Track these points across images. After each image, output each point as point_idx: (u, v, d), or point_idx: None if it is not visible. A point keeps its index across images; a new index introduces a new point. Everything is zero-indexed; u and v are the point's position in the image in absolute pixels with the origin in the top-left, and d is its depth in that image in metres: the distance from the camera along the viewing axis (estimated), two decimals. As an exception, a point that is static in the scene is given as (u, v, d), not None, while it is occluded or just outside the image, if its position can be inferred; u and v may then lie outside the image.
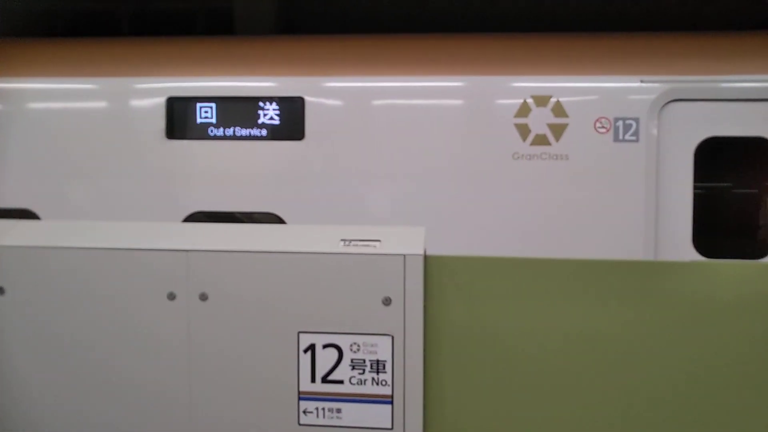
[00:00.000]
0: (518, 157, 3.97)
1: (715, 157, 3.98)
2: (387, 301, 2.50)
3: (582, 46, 4.15)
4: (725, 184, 4.18)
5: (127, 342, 2.62)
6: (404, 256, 2.50)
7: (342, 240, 2.63)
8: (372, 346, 2.51)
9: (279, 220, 4.13)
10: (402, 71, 4.09)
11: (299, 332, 2.52)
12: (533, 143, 3.97)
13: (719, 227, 4.11)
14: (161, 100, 4.19)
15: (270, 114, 4.14)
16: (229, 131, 4.18)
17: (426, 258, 2.51)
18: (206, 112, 4.19)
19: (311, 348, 2.54)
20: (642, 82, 3.89)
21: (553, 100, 3.94)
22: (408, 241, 2.65)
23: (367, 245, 2.58)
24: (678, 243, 3.86)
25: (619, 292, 2.45)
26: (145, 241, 2.70)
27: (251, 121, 4.15)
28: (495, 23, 4.58)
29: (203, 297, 2.57)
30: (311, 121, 4.10)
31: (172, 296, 2.58)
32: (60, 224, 2.97)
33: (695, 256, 3.87)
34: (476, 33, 4.27)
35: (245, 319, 2.56)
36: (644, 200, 3.85)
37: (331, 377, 2.54)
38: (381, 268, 2.51)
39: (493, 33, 4.28)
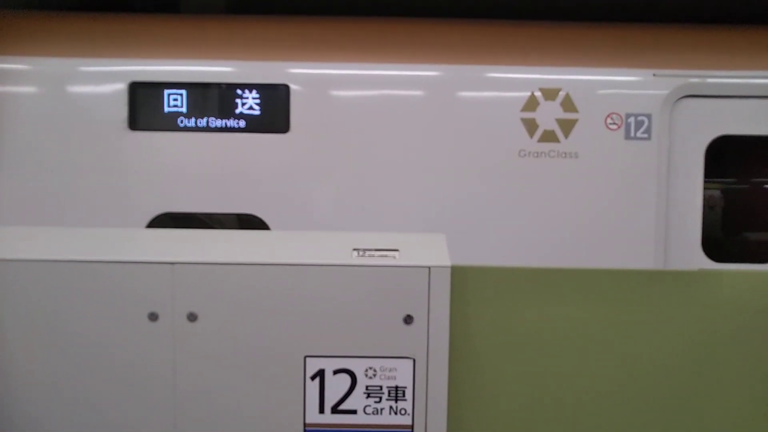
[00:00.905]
0: (525, 155, 3.79)
1: (726, 156, 3.90)
2: (408, 320, 2.28)
3: (593, 36, 3.97)
4: (737, 185, 4.12)
5: (100, 372, 2.33)
6: (429, 268, 2.27)
7: (355, 249, 2.38)
8: (390, 370, 2.32)
9: (261, 224, 3.80)
10: (398, 58, 3.82)
11: (306, 356, 2.29)
12: (541, 139, 3.78)
13: (729, 229, 4.05)
14: (122, 86, 3.80)
15: (249, 103, 3.80)
16: (202, 122, 3.81)
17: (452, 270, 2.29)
18: (175, 99, 3.80)
19: (320, 374, 2.31)
20: (655, 75, 3.78)
21: (562, 93, 3.77)
22: (430, 250, 2.43)
23: (384, 256, 2.34)
24: (687, 246, 3.77)
25: (652, 302, 2.35)
26: (120, 251, 2.38)
27: (228, 110, 3.79)
28: (501, 10, 4.34)
29: (191, 317, 2.29)
30: (298, 112, 3.81)
31: (154, 317, 2.29)
32: (14, 231, 2.59)
33: (704, 259, 3.79)
34: (481, 19, 4.04)
35: (241, 343, 2.32)
36: (655, 203, 3.74)
37: (342, 407, 2.34)
38: (402, 283, 2.30)
39: (500, 20, 4.04)
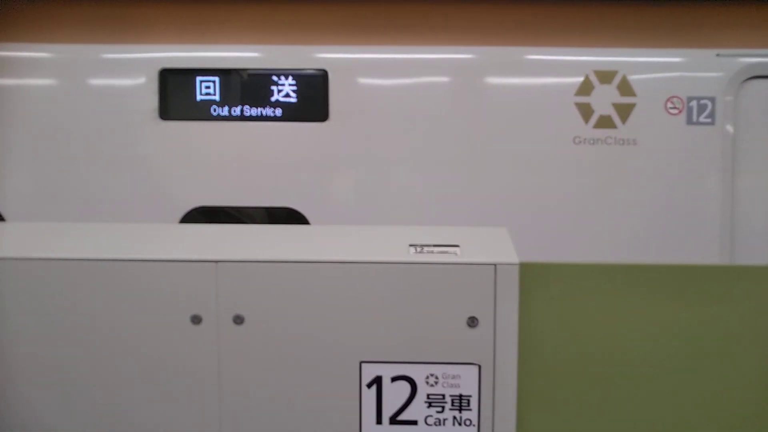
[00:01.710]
0: (580, 142, 3.61)
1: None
2: (473, 322, 2.13)
3: (651, 14, 3.75)
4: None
5: (140, 379, 2.21)
6: (495, 265, 2.10)
7: (412, 245, 2.22)
8: (453, 377, 2.18)
9: (299, 218, 3.66)
10: (446, 41, 3.64)
11: (361, 362, 2.15)
12: (597, 125, 3.60)
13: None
14: (153, 73, 3.67)
15: (285, 90, 3.65)
16: (236, 111, 3.69)
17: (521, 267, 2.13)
18: (208, 87, 3.67)
19: (377, 381, 2.18)
20: (719, 56, 3.57)
21: (619, 76, 3.59)
22: (494, 245, 2.27)
23: (445, 252, 2.18)
24: (755, 239, 3.56)
25: (727, 298, 2.21)
26: (158, 248, 2.24)
27: (263, 98, 3.65)
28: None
29: (238, 320, 2.15)
30: (337, 100, 3.66)
31: (197, 320, 2.15)
32: (46, 227, 2.47)
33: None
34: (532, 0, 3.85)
35: (291, 348, 2.19)
36: (720, 193, 3.53)
37: (402, 417, 2.21)
38: (465, 281, 2.14)
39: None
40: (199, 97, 3.65)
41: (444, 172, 3.60)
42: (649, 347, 2.20)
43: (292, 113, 3.63)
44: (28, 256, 2.18)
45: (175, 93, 3.63)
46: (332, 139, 3.61)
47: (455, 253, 2.18)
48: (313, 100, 3.61)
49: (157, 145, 3.63)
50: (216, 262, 2.15)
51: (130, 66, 3.66)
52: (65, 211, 3.62)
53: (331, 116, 3.62)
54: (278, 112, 3.64)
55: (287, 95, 3.63)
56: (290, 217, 3.67)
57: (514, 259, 2.12)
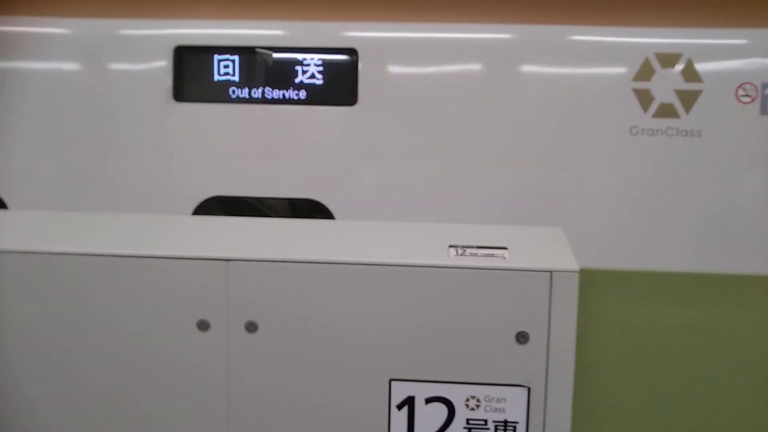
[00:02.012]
0: (637, 132, 3.28)
1: None
2: (522, 338, 1.85)
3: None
4: None
5: (143, 384, 1.96)
6: (551, 272, 1.81)
7: (452, 247, 1.94)
8: (498, 401, 1.91)
9: (323, 211, 3.40)
10: (490, 18, 3.34)
11: (391, 380, 1.91)
12: (657, 115, 3.25)
13: None
14: (167, 51, 3.40)
15: (311, 71, 3.38)
16: (257, 93, 3.41)
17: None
18: (226, 67, 3.40)
19: (408, 402, 1.92)
20: None
21: (683, 59, 3.24)
22: (549, 248, 1.99)
23: (491, 255, 1.89)
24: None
25: None
26: (162, 243, 2.00)
27: (286, 80, 3.36)
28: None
29: (251, 327, 1.90)
30: (367, 82, 3.35)
31: (204, 325, 1.91)
32: (46, 217, 2.25)
33: None
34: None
35: (311, 361, 1.92)
36: None
37: None
38: (515, 290, 1.86)
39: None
40: (216, 78, 3.38)
41: (486, 166, 3.29)
42: (732, 368, 1.92)
43: (317, 96, 3.34)
44: (25, 249, 1.96)
45: (191, 73, 3.37)
46: (361, 126, 3.32)
47: (503, 257, 1.89)
48: (341, 82, 3.33)
49: (171, 129, 3.39)
50: (227, 260, 1.89)
51: (142, 43, 3.42)
52: (66, 200, 3.40)
53: (361, 100, 3.32)
54: (303, 94, 3.36)
55: (313, 77, 3.34)
56: (313, 209, 3.41)
57: (574, 265, 1.83)
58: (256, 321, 1.91)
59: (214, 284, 1.90)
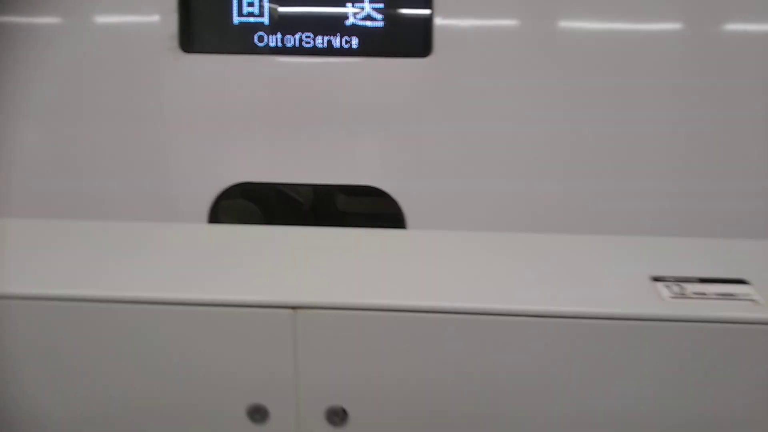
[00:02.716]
0: None
1: None
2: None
3: None
4: None
5: None
6: None
7: (658, 281, 1.22)
8: None
9: (387, 201, 2.64)
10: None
11: None
12: None
13: None
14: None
15: (367, 11, 2.57)
16: (292, 40, 2.62)
17: None
18: (251, 5, 2.59)
19: None
20: None
21: None
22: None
23: (728, 295, 1.18)
24: None
25: None
26: (184, 280, 1.26)
27: (333, 23, 2.55)
28: None
29: (334, 417, 1.17)
30: (445, 26, 2.56)
31: (260, 414, 1.18)
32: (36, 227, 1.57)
33: None
34: None
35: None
36: None
37: None
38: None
39: None
40: (237, 20, 2.56)
41: (605, 136, 2.53)
42: None
43: (375, 45, 2.49)
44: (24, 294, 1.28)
45: (204, 13, 2.57)
46: (437, 84, 2.52)
47: (751, 298, 1.18)
48: (407, 25, 2.54)
49: (178, 89, 2.60)
50: (294, 308, 1.17)
51: None
52: (52, 179, 2.64)
53: (437, 49, 2.53)
54: (355, 42, 2.53)
55: (368, 18, 2.54)
56: (373, 199, 2.65)
57: None
58: (343, 406, 1.21)
59: (272, 345, 1.19)
